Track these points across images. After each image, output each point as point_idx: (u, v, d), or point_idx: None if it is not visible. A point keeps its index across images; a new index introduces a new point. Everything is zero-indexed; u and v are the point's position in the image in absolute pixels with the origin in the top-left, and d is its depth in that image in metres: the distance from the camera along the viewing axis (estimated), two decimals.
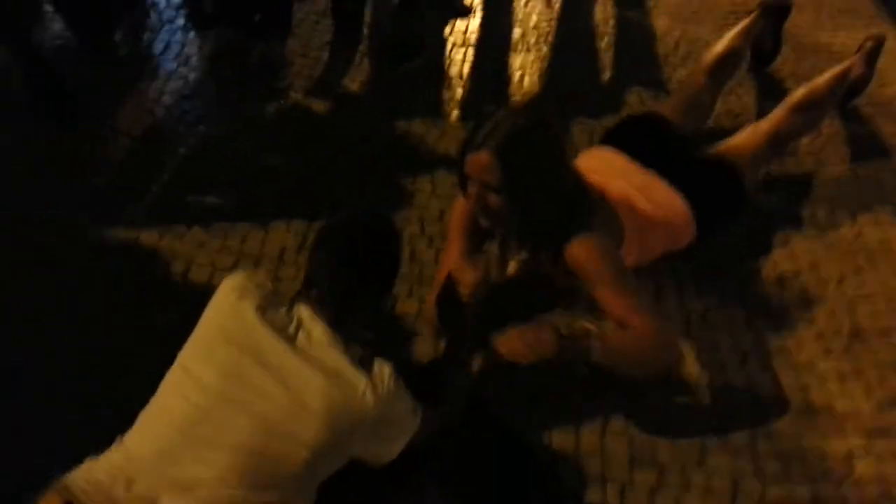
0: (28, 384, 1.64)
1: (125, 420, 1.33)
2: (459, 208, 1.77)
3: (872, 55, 2.50)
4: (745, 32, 2.46)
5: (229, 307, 1.38)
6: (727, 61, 2.37)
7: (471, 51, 2.73)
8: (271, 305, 1.39)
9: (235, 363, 1.31)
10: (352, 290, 1.39)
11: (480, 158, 1.51)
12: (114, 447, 1.32)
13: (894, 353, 1.83)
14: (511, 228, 1.68)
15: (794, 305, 1.92)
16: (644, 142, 2.00)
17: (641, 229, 1.76)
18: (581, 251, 1.58)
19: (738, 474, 1.57)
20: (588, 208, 1.63)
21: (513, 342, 1.48)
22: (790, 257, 2.05)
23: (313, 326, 1.36)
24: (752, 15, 2.51)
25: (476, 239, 1.78)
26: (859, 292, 1.97)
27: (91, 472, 1.27)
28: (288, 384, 1.29)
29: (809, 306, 1.92)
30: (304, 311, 1.38)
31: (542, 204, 1.57)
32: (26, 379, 1.65)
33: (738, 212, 2.02)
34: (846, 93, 2.46)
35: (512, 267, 1.82)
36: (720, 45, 2.39)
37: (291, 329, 1.36)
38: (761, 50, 2.61)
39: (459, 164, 1.58)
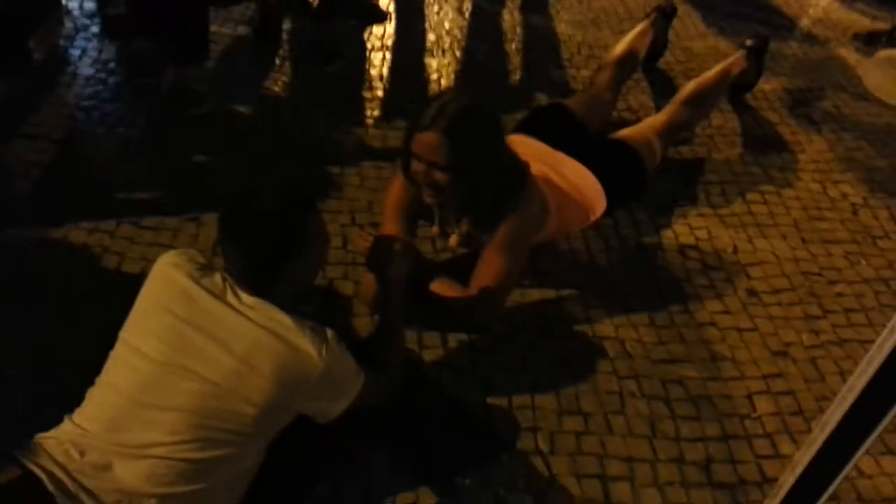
0: None
1: (71, 411, 1.34)
2: (394, 192, 1.89)
3: (758, 53, 2.77)
4: (643, 34, 2.70)
5: (164, 279, 1.41)
6: (627, 60, 2.61)
7: (388, 54, 2.86)
8: (206, 275, 1.41)
9: (176, 329, 1.34)
10: (260, 262, 1.39)
11: (429, 139, 1.63)
12: (62, 424, 1.33)
13: (785, 310, 2.04)
14: (455, 203, 1.81)
15: (694, 273, 2.12)
16: (551, 129, 2.18)
17: (558, 204, 1.92)
18: (516, 220, 1.74)
19: (654, 417, 1.72)
20: (524, 181, 1.79)
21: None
22: (689, 232, 2.25)
23: (243, 294, 1.39)
24: (649, 18, 2.77)
25: (409, 219, 1.90)
26: (751, 259, 2.19)
27: (40, 443, 1.28)
28: (230, 346, 1.32)
29: (708, 273, 2.13)
30: (229, 282, 1.41)
31: (487, 179, 1.71)
32: None
33: (640, 185, 2.22)
34: (737, 87, 2.73)
35: (453, 240, 1.94)
36: (621, 46, 2.62)
37: (227, 294, 1.38)
38: (654, 49, 2.85)
39: (405, 144, 1.70)
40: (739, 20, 3.33)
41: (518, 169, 1.81)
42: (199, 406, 1.30)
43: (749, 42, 2.78)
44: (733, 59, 2.69)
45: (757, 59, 2.77)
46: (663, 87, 2.82)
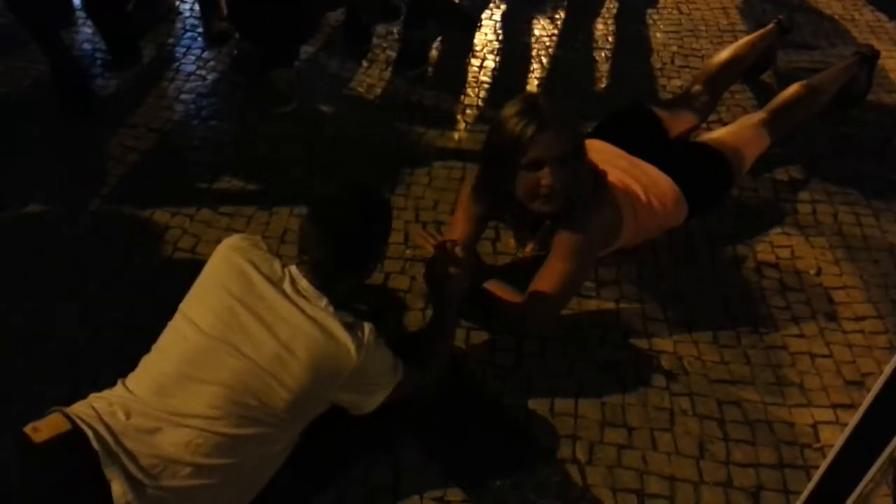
0: (44, 348, 1.76)
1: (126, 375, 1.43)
2: (465, 194, 1.89)
3: (869, 62, 2.59)
4: (753, 44, 2.59)
5: (227, 260, 1.50)
6: (727, 69, 2.49)
7: (473, 60, 2.88)
8: (265, 261, 1.49)
9: (230, 307, 1.42)
10: (337, 260, 1.48)
11: (552, 136, 1.58)
12: (115, 387, 1.43)
13: (867, 338, 1.89)
14: (576, 192, 1.70)
15: (770, 293, 2.00)
16: (630, 132, 2.12)
17: (636, 209, 1.87)
18: (587, 227, 1.72)
19: (704, 438, 1.63)
20: (601, 190, 1.76)
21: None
22: (769, 249, 2.12)
23: (299, 281, 1.47)
24: (767, 28, 2.65)
25: (479, 223, 1.89)
26: (836, 283, 2.04)
27: (91, 402, 1.37)
28: (276, 330, 1.40)
29: (785, 294, 2.00)
30: (294, 270, 1.50)
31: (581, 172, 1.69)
32: (43, 344, 1.77)
33: (724, 193, 2.12)
34: (845, 97, 2.56)
35: (529, 248, 1.91)
36: (724, 53, 2.52)
37: (283, 282, 1.47)
38: (763, 61, 2.70)
39: (515, 161, 1.62)
40: (852, 27, 3.12)
41: (597, 178, 1.78)
42: (239, 383, 1.36)
43: (863, 49, 2.61)
44: (843, 63, 2.53)
45: (867, 69, 2.59)
46: (762, 101, 2.68)
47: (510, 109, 1.64)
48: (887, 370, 0.93)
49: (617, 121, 2.20)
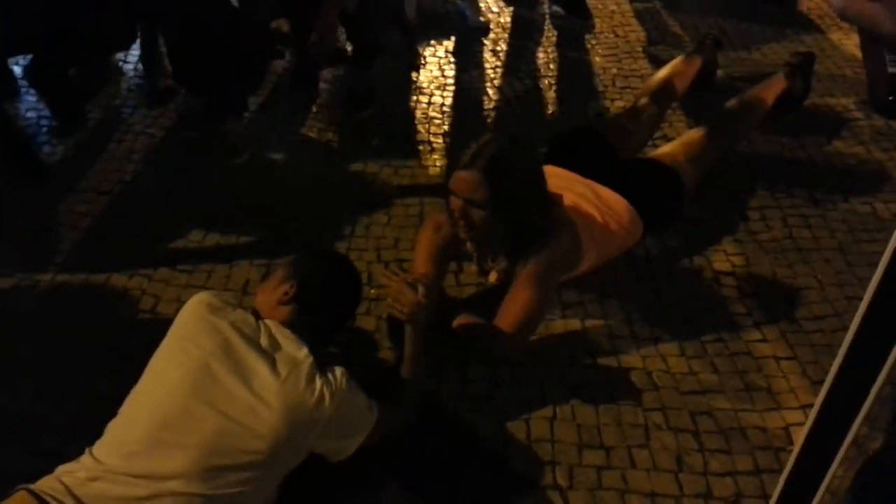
0: (4, 425, 1.71)
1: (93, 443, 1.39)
2: (427, 232, 1.93)
3: (804, 70, 2.69)
4: (689, 61, 2.68)
5: (196, 316, 1.48)
6: (667, 87, 2.57)
7: (421, 97, 2.91)
8: (237, 316, 1.50)
9: (202, 363, 1.40)
10: (317, 327, 1.57)
11: (467, 177, 1.69)
12: (82, 457, 1.38)
13: (827, 337, 1.93)
14: (490, 240, 1.84)
15: (730, 300, 2.04)
16: (580, 154, 2.16)
17: (594, 233, 1.90)
18: (547, 256, 1.76)
19: (681, 451, 1.65)
20: (557, 219, 1.81)
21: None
22: (724, 258, 2.17)
23: (276, 332, 1.48)
24: (702, 43, 2.75)
25: (441, 260, 1.92)
26: (792, 285, 2.09)
27: (59, 476, 1.33)
28: (249, 381, 1.39)
29: (744, 300, 2.04)
30: (271, 323, 1.51)
31: (523, 217, 1.74)
32: (3, 420, 1.72)
33: (678, 207, 2.17)
34: (783, 106, 2.65)
35: (493, 277, 1.97)
36: (662, 72, 2.60)
37: (257, 335, 1.47)
38: (703, 77, 2.78)
39: (446, 181, 1.76)
40: (780, 42, 3.24)
41: (552, 206, 1.82)
42: (214, 443, 1.34)
43: (794, 59, 2.71)
44: (774, 78, 2.63)
45: (804, 76, 2.69)
46: (703, 115, 2.76)
47: (480, 137, 1.75)
48: (834, 366, 0.97)
49: (566, 144, 2.24)
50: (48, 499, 1.27)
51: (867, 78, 2.85)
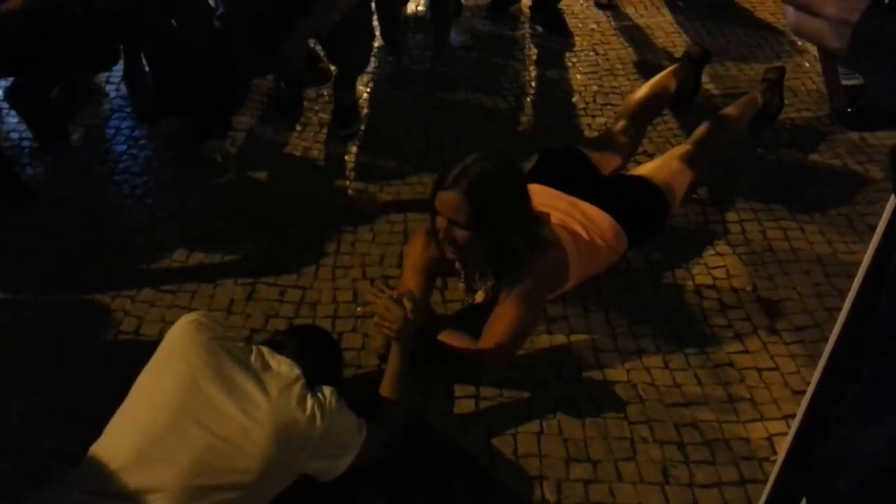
0: None
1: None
2: (414, 248, 1.93)
3: (777, 85, 2.75)
4: (671, 75, 2.72)
5: (185, 336, 1.48)
6: (646, 106, 2.61)
7: (405, 116, 2.93)
8: (227, 336, 1.51)
9: (192, 381, 1.40)
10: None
11: (450, 198, 1.69)
12: (70, 477, 1.37)
13: (807, 348, 1.96)
14: (475, 260, 1.84)
15: (711, 313, 2.07)
16: (563, 172, 2.19)
17: (579, 250, 1.92)
18: (534, 275, 1.77)
19: (667, 463, 1.66)
20: (543, 238, 1.81)
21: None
22: (706, 271, 2.20)
23: (267, 354, 1.50)
24: (679, 61, 2.79)
25: (428, 276, 1.92)
26: (772, 296, 2.12)
27: (46, 497, 1.32)
28: (239, 401, 1.39)
29: (726, 312, 2.07)
30: (265, 349, 1.52)
31: (507, 238, 1.74)
32: None
33: (660, 221, 2.19)
34: (759, 121, 2.70)
35: (480, 296, 1.97)
36: (641, 91, 2.64)
37: (245, 353, 1.47)
38: (682, 94, 2.82)
39: (430, 201, 1.75)
40: (757, 59, 3.30)
41: (538, 226, 1.83)
42: (201, 463, 1.34)
43: (770, 75, 2.77)
44: (752, 94, 2.68)
45: (777, 90, 2.75)
46: (684, 131, 2.80)
47: (464, 158, 1.75)
48: (814, 378, 0.99)
49: (550, 163, 2.27)
50: None
51: (827, 90, 2.92)
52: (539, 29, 3.51)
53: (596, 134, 2.77)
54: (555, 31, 3.47)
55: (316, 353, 1.63)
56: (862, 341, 0.91)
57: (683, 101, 2.85)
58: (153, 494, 1.31)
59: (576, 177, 2.20)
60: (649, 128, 2.72)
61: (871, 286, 1.00)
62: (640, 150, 2.67)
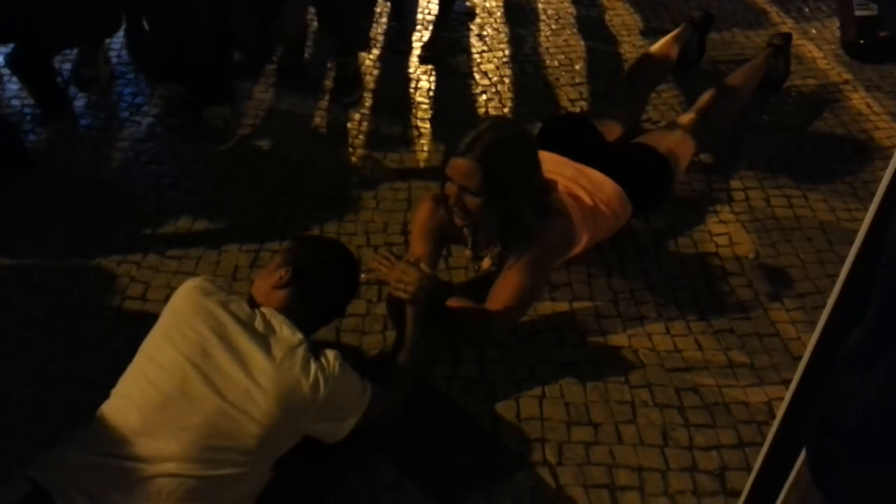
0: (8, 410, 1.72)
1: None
2: (421, 215, 1.92)
3: (784, 50, 2.72)
4: (673, 41, 2.70)
5: (189, 300, 1.49)
6: (653, 70, 2.59)
7: (408, 83, 2.92)
8: (231, 300, 1.51)
9: (198, 344, 1.41)
10: (313, 314, 1.58)
11: (463, 164, 1.68)
12: (79, 440, 1.39)
13: (808, 314, 1.98)
14: (485, 227, 1.84)
15: (714, 280, 2.08)
16: (568, 138, 2.18)
17: (585, 216, 1.92)
18: (542, 243, 1.78)
19: (667, 426, 1.69)
20: (552, 206, 1.81)
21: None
22: (708, 238, 2.21)
23: (271, 317, 1.50)
24: (681, 26, 2.77)
25: (436, 243, 1.92)
26: (774, 263, 2.13)
27: (53, 459, 1.34)
28: (244, 364, 1.40)
29: (728, 279, 2.08)
30: (267, 310, 1.52)
31: (518, 205, 1.74)
32: None
33: (665, 188, 2.19)
34: (765, 86, 2.68)
35: (486, 263, 1.96)
36: (647, 55, 2.62)
37: (252, 319, 1.48)
38: (687, 57, 2.82)
39: (441, 167, 1.75)
40: (763, 26, 3.27)
41: (547, 193, 1.83)
42: (209, 426, 1.36)
43: (775, 41, 2.74)
44: (759, 58, 2.65)
45: (783, 56, 2.72)
46: (687, 99, 2.79)
47: (477, 123, 1.74)
48: (811, 341, 1.00)
49: (554, 130, 2.26)
50: (44, 483, 1.28)
51: (839, 22, 2.93)
52: None
53: (600, 101, 2.75)
54: None
55: (320, 288, 1.62)
56: (861, 301, 0.92)
57: (686, 67, 2.83)
58: (162, 457, 1.33)
59: (580, 144, 2.19)
60: (654, 95, 2.71)
61: (869, 252, 1.00)
62: (645, 117, 2.66)
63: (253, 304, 1.55)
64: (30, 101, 2.69)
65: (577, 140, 2.22)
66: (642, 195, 2.11)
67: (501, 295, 1.79)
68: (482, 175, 1.67)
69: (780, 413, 1.19)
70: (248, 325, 1.46)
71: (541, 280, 1.85)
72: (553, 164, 2.02)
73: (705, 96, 2.47)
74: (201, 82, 2.61)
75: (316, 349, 1.49)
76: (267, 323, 1.49)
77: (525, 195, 1.75)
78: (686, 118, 2.38)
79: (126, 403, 1.41)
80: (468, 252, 1.99)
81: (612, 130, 2.34)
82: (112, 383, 1.45)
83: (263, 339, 1.44)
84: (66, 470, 1.31)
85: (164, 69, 2.73)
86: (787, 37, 2.78)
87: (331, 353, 1.49)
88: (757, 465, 1.26)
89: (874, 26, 2.81)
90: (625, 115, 2.46)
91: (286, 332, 1.47)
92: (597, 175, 2.04)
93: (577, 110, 2.70)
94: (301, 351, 1.44)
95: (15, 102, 2.73)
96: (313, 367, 1.43)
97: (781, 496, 1.20)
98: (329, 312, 1.70)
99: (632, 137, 2.39)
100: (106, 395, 1.44)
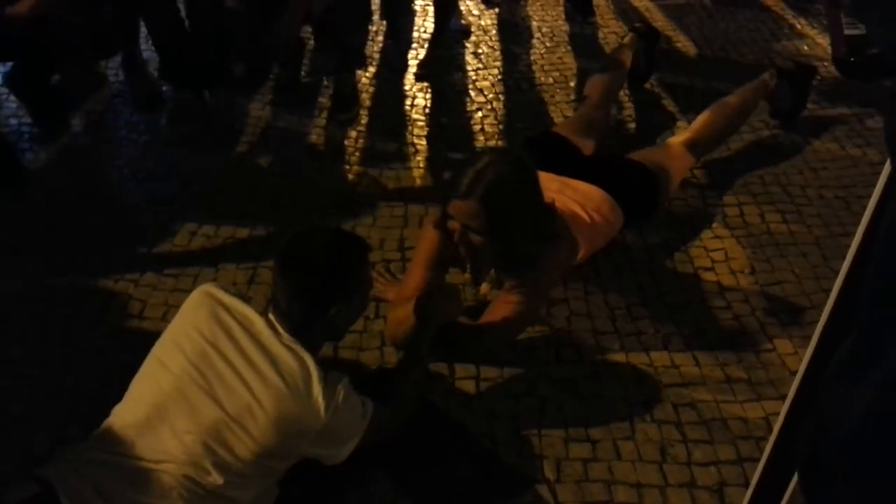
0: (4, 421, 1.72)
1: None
2: (426, 239, 1.88)
3: (795, 79, 2.67)
4: (624, 48, 2.76)
5: (201, 305, 1.49)
6: (608, 79, 2.61)
7: (404, 101, 2.94)
8: (241, 310, 1.48)
9: (203, 352, 1.41)
10: (303, 311, 1.48)
11: (465, 207, 1.65)
12: (83, 444, 1.41)
13: (805, 329, 1.98)
14: (489, 260, 1.81)
15: (710, 295, 2.09)
16: (550, 155, 2.18)
17: (580, 229, 1.92)
18: (544, 267, 1.78)
19: (665, 442, 1.69)
20: (555, 232, 1.80)
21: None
22: (704, 254, 2.22)
23: (282, 333, 1.46)
24: (626, 39, 2.80)
25: (439, 267, 1.89)
26: (770, 279, 2.14)
27: (60, 458, 1.36)
28: (248, 379, 1.39)
29: (724, 294, 2.09)
30: (273, 318, 1.48)
31: (523, 240, 1.72)
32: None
33: (652, 201, 2.18)
34: (777, 116, 2.71)
35: (485, 288, 1.95)
36: (602, 65, 2.66)
37: (261, 332, 1.45)
38: (636, 70, 2.85)
39: (442, 205, 1.72)
40: (756, 44, 3.30)
41: (551, 221, 1.81)
42: (211, 431, 1.36)
43: (788, 65, 2.72)
44: (757, 82, 2.64)
45: (797, 85, 2.69)
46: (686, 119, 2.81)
47: (475, 158, 1.72)
48: (806, 356, 1.01)
49: (534, 147, 2.26)
50: (52, 479, 1.29)
51: (830, 40, 2.96)
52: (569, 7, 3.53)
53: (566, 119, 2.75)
54: (578, 8, 3.48)
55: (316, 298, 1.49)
56: (854, 314, 0.92)
57: (638, 81, 2.92)
58: (165, 458, 1.35)
59: (561, 159, 2.18)
60: (647, 114, 2.73)
61: (861, 266, 1.01)
62: (641, 135, 2.68)
63: (265, 313, 1.51)
64: (28, 119, 2.70)
65: (557, 156, 2.21)
66: (627, 206, 2.10)
67: (499, 313, 1.79)
68: (485, 215, 1.65)
69: (776, 427, 1.20)
70: (257, 341, 1.43)
71: (542, 297, 1.86)
72: (543, 182, 2.02)
73: (701, 117, 2.47)
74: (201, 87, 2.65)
75: (323, 372, 1.44)
76: (277, 339, 1.44)
77: (529, 228, 1.72)
78: (680, 138, 2.39)
79: (134, 404, 1.43)
80: (467, 276, 1.98)
81: (586, 144, 2.33)
82: (108, 399, 1.46)
83: (271, 357, 1.41)
84: (75, 466, 1.33)
85: (166, 72, 2.80)
86: (800, 65, 2.73)
87: (337, 379, 1.45)
88: (754, 481, 1.27)
89: (864, 44, 2.84)
90: (594, 126, 2.43)
91: (295, 354, 1.42)
92: (582, 185, 2.04)
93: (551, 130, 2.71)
94: (307, 375, 1.40)
95: (13, 121, 2.74)
96: (317, 392, 1.40)
97: None
98: (329, 309, 1.53)
99: (609, 151, 2.38)
100: (101, 411, 1.44)
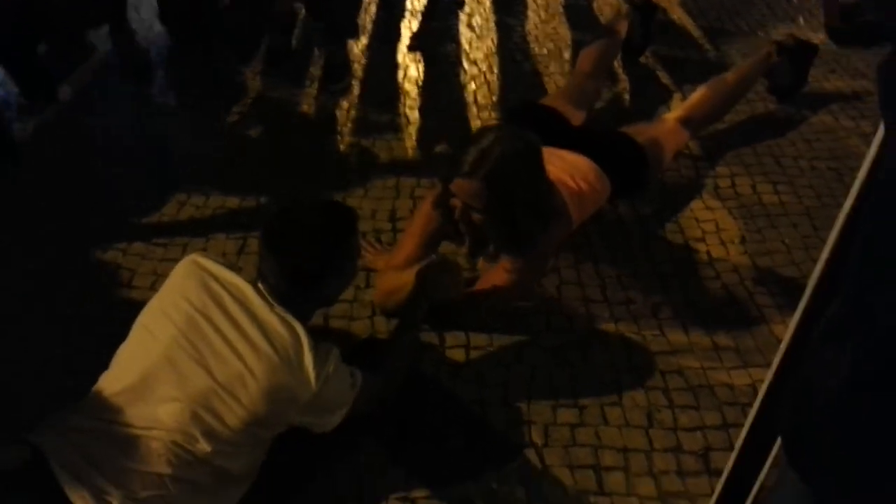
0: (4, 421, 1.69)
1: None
2: (422, 213, 1.87)
3: (794, 55, 2.64)
4: (620, 18, 2.73)
5: (190, 275, 1.47)
6: (602, 49, 2.59)
7: (396, 72, 2.92)
8: (231, 280, 1.46)
9: (192, 320, 1.40)
10: (297, 276, 1.45)
11: (469, 186, 1.63)
12: (74, 407, 1.40)
13: (794, 298, 1.98)
14: (489, 237, 1.79)
15: (700, 265, 2.09)
16: (536, 126, 2.16)
17: (571, 199, 1.91)
18: (542, 243, 1.77)
19: (652, 407, 1.70)
20: (554, 209, 1.80)
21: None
22: (695, 225, 2.22)
23: (273, 302, 1.44)
24: (623, 10, 2.78)
25: (433, 242, 1.88)
26: (760, 249, 2.14)
27: (49, 424, 1.36)
28: (239, 349, 1.38)
29: (714, 265, 2.09)
30: (263, 288, 1.46)
31: (525, 219, 1.71)
32: None
33: (640, 171, 2.16)
34: (775, 92, 2.69)
35: (481, 264, 1.94)
36: (595, 41, 2.63)
37: (252, 301, 1.44)
38: (630, 43, 2.82)
39: (444, 182, 1.69)
40: (751, 16, 3.28)
41: (551, 197, 1.80)
42: (199, 402, 1.36)
43: (786, 40, 2.66)
44: (756, 57, 2.62)
45: (796, 62, 2.66)
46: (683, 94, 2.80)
47: (479, 135, 1.70)
48: (792, 323, 1.01)
49: (521, 118, 2.23)
50: (42, 445, 1.29)
51: (823, 8, 2.95)
52: None
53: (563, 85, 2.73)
54: None
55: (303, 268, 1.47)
56: (842, 281, 0.92)
57: (633, 54, 2.88)
58: (153, 424, 1.34)
59: (548, 129, 2.16)
60: (644, 89, 2.71)
61: (849, 234, 1.00)
62: (635, 109, 2.66)
63: (255, 282, 1.48)
64: (15, 89, 2.68)
65: (545, 126, 2.19)
66: (615, 178, 2.08)
67: (493, 281, 1.79)
68: (488, 195, 1.63)
69: (761, 393, 1.20)
70: (247, 309, 1.42)
71: (533, 276, 1.86)
72: None
73: (697, 93, 2.44)
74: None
75: (314, 342, 1.43)
76: (267, 308, 1.43)
77: (531, 208, 1.71)
78: (675, 113, 2.38)
79: (121, 371, 1.42)
80: (464, 250, 1.97)
81: (575, 115, 2.31)
82: (96, 369, 1.45)
83: (263, 325, 1.40)
84: (65, 433, 1.33)
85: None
86: (801, 42, 2.67)
87: (327, 351, 1.45)
88: (738, 445, 1.28)
89: (856, 12, 2.83)
90: (585, 97, 2.42)
91: (286, 322, 1.41)
92: (569, 154, 2.02)
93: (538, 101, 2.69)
94: (298, 344, 1.40)
95: (0, 92, 2.71)
96: (307, 361, 1.39)
97: (762, 474, 1.22)
98: (317, 281, 1.51)
99: (602, 125, 2.37)
100: (90, 381, 1.44)
